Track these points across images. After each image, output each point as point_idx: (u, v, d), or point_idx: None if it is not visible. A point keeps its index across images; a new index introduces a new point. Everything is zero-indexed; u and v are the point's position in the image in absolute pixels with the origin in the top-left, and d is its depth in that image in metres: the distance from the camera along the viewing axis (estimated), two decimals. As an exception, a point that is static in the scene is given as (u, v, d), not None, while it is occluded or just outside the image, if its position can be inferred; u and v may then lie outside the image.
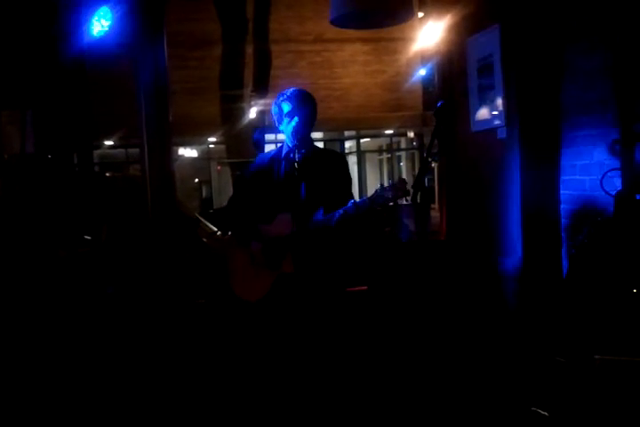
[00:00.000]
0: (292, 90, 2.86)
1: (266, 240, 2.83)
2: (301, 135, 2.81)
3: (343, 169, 2.93)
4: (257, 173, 2.96)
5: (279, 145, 2.99)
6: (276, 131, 2.97)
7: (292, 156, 2.87)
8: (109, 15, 3.46)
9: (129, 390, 3.33)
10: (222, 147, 10.91)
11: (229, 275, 2.99)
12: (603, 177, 2.86)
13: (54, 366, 3.45)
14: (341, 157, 3.07)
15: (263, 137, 8.71)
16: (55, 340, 3.54)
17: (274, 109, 2.88)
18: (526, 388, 2.86)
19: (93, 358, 3.49)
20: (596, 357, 2.41)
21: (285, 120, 2.83)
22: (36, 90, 3.69)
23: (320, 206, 2.76)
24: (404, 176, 14.31)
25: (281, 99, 2.85)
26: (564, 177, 3.34)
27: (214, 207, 13.59)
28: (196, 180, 15.31)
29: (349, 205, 2.65)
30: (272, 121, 2.95)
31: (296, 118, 2.80)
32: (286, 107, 2.82)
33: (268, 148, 7.30)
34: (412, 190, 2.56)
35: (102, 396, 3.29)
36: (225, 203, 3.34)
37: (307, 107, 2.83)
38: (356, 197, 2.74)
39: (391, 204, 2.60)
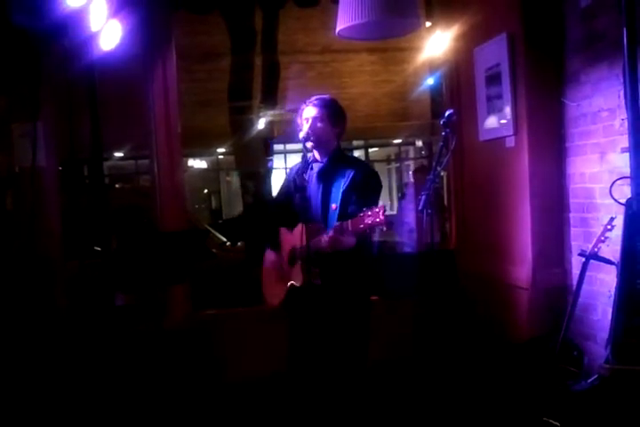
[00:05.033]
0: (318, 96, 2.84)
1: (288, 250, 2.83)
2: (323, 141, 2.75)
3: (366, 179, 2.75)
4: (288, 182, 2.96)
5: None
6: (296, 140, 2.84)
7: (312, 164, 2.83)
8: (119, 28, 3.50)
9: (139, 402, 3.34)
10: (231, 158, 10.97)
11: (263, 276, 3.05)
12: (612, 185, 2.85)
13: (58, 376, 3.46)
14: (367, 167, 2.92)
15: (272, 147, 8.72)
16: (61, 351, 3.55)
17: (300, 117, 2.82)
18: (538, 398, 2.83)
19: (101, 368, 3.49)
20: (607, 366, 2.40)
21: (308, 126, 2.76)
22: (46, 102, 3.73)
23: (338, 215, 2.71)
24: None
25: (309, 106, 2.80)
26: (572, 185, 3.33)
27: (224, 218, 13.61)
28: (206, 190, 15.38)
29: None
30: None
31: (323, 124, 2.75)
32: (310, 113, 2.77)
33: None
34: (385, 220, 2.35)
35: (111, 405, 3.30)
36: (234, 213, 3.33)
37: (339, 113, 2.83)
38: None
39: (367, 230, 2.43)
